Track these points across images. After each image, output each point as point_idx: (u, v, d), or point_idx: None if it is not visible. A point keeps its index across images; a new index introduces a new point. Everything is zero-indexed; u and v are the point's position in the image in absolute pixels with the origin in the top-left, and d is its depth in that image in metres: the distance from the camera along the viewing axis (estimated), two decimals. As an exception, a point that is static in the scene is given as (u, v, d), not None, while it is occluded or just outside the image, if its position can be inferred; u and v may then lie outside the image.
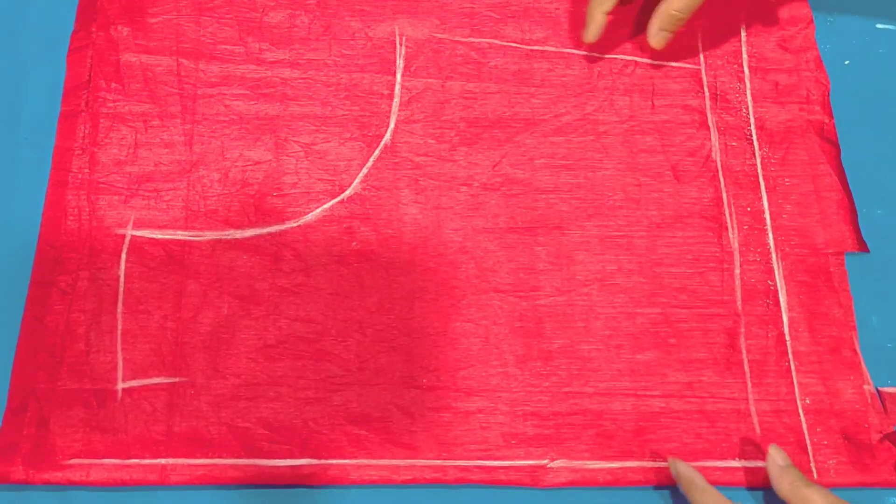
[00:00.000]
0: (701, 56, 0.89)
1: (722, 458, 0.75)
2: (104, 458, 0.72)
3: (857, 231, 0.82)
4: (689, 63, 0.89)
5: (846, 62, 0.90)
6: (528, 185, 0.83)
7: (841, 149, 0.85)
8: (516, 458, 0.74)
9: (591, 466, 0.74)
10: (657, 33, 0.85)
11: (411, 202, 0.82)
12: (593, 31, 0.85)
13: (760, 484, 0.74)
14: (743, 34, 0.90)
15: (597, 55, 0.88)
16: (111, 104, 0.83)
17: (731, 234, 0.82)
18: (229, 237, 0.79)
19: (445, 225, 0.81)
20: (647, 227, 0.82)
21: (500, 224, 0.81)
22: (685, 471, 0.72)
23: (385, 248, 0.80)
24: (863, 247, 0.82)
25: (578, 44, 0.89)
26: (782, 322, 0.79)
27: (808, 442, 0.76)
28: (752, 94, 0.87)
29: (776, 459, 0.72)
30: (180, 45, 0.86)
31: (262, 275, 0.78)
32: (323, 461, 0.73)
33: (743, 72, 0.89)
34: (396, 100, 0.85)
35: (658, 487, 0.75)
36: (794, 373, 0.78)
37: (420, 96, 0.85)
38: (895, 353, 0.80)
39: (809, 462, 0.75)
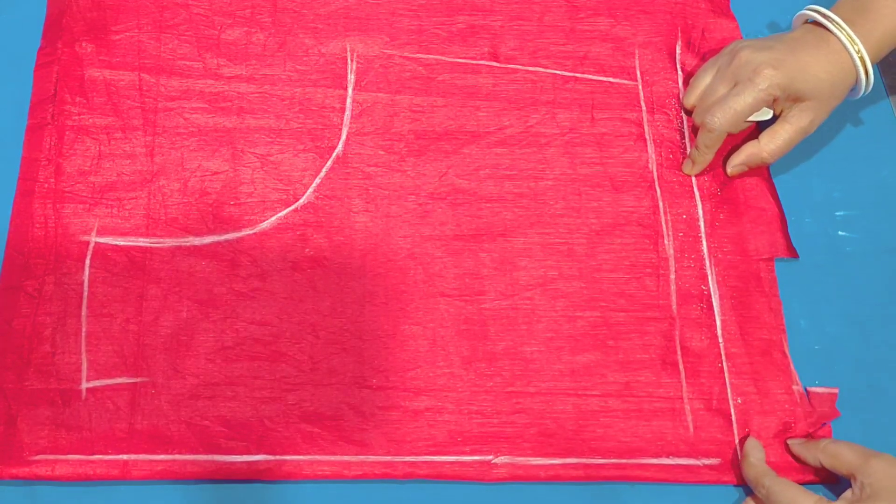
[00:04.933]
0: (638, 72, 0.95)
1: (657, 455, 0.81)
2: (69, 454, 0.77)
3: (786, 238, 0.88)
4: (626, 79, 0.95)
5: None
6: (473, 195, 0.88)
7: (770, 160, 0.91)
8: (462, 454, 0.79)
9: (533, 463, 0.79)
10: (738, 166, 0.90)
11: (362, 211, 0.87)
12: (698, 168, 0.90)
13: (693, 481, 0.80)
14: (678, 51, 0.96)
15: (540, 70, 0.94)
16: (76, 117, 0.88)
17: (666, 241, 0.88)
18: (188, 244, 0.85)
19: (395, 232, 0.86)
20: (586, 235, 0.88)
21: (446, 231, 0.87)
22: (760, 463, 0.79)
23: (337, 255, 0.85)
24: (792, 253, 0.88)
25: (523, 61, 0.95)
26: (715, 325, 0.85)
27: (736, 441, 0.81)
28: (687, 109, 0.93)
29: (793, 445, 0.81)
30: (142, 60, 0.91)
31: (219, 280, 0.84)
32: (278, 457, 0.78)
33: (678, 87, 0.94)
34: (348, 113, 0.91)
35: (596, 483, 0.80)
36: (726, 374, 0.83)
37: (370, 110, 0.91)
38: (823, 354, 0.85)
39: (740, 459, 0.80)
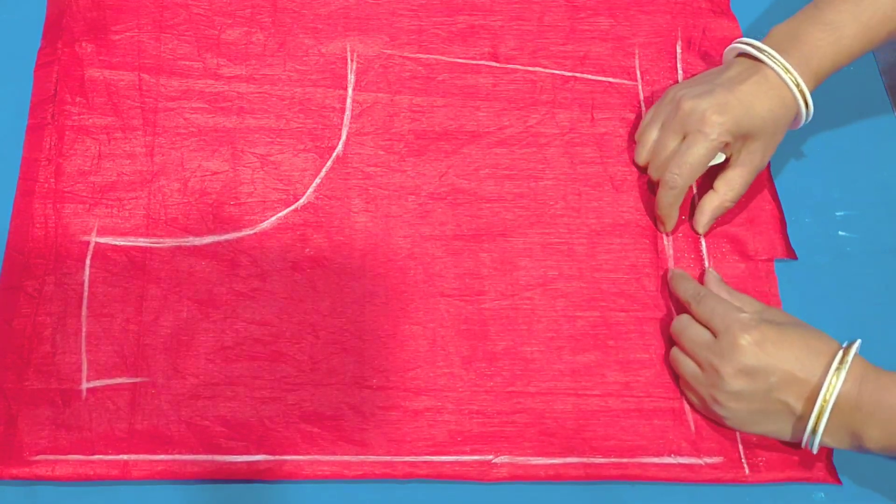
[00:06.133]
0: (638, 72, 0.96)
1: (658, 454, 0.81)
2: (69, 454, 0.77)
3: (785, 240, 0.89)
4: (626, 79, 0.95)
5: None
6: (473, 195, 0.89)
7: (770, 161, 0.90)
8: (462, 454, 0.80)
9: (533, 462, 0.80)
10: (708, 224, 0.88)
11: (362, 211, 0.88)
12: (671, 225, 0.88)
13: (695, 480, 0.80)
14: (678, 51, 0.97)
15: (540, 70, 0.95)
16: (76, 117, 0.89)
17: (666, 241, 0.89)
18: (188, 244, 0.85)
19: (395, 232, 0.87)
20: (586, 235, 0.88)
21: (446, 231, 0.87)
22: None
23: (337, 255, 0.86)
24: (791, 255, 0.89)
25: (523, 61, 0.95)
26: (716, 325, 0.85)
27: (739, 439, 0.81)
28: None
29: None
30: (142, 60, 0.92)
31: (219, 280, 0.84)
32: (278, 457, 0.78)
33: (678, 87, 0.95)
34: (348, 113, 0.91)
35: (596, 483, 0.80)
36: (727, 373, 0.84)
37: (370, 110, 0.92)
38: (822, 354, 0.85)
39: (741, 458, 0.81)
